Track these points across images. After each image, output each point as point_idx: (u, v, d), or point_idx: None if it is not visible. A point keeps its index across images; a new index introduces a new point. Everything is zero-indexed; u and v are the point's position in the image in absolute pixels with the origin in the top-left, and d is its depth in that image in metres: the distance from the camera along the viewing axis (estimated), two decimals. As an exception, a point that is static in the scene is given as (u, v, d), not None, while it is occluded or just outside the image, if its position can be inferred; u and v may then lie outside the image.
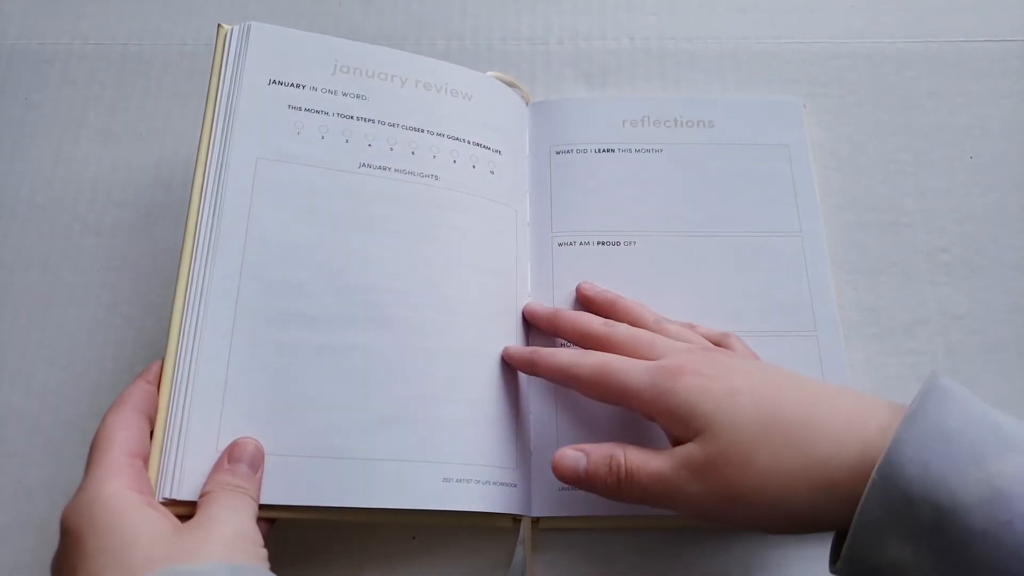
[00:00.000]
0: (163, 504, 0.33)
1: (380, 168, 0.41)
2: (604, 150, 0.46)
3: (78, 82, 0.50)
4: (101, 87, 0.50)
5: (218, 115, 0.40)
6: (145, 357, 0.43)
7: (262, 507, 0.34)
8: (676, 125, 0.47)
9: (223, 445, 0.34)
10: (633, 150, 0.46)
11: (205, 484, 0.33)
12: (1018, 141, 0.49)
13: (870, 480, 0.27)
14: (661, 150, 0.46)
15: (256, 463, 0.34)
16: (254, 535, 0.31)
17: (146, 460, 0.34)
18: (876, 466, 0.26)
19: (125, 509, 0.30)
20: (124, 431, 0.33)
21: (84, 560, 0.29)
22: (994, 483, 0.25)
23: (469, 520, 0.38)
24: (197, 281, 0.37)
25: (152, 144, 0.48)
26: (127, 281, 0.45)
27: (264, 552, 0.31)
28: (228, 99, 0.40)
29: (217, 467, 0.34)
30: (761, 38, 0.52)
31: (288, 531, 0.38)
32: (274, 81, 0.41)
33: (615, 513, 0.39)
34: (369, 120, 0.42)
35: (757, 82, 0.51)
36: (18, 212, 0.46)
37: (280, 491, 0.35)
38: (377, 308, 0.38)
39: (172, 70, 0.50)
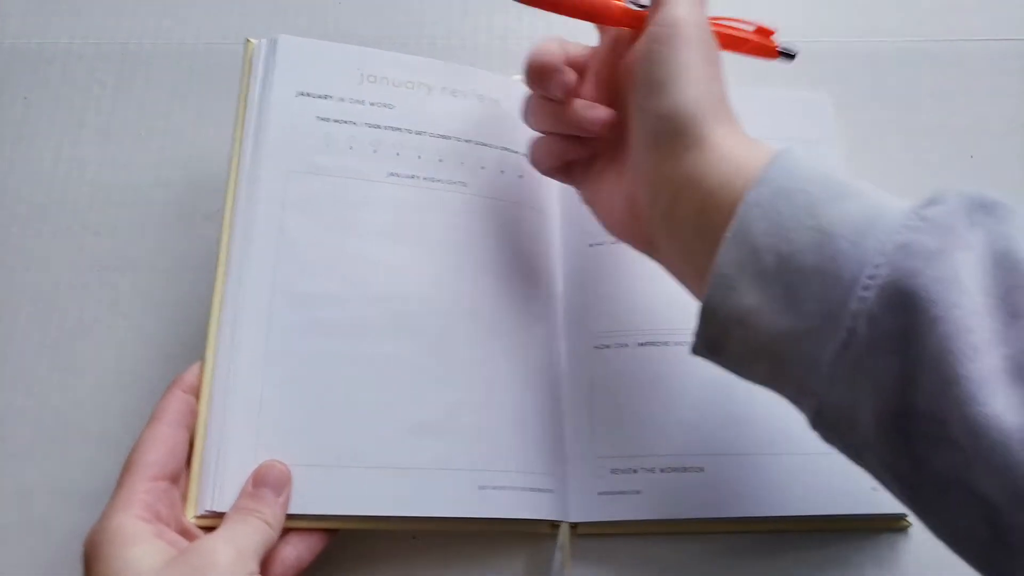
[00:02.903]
0: (206, 516, 0.34)
1: (409, 177, 0.41)
2: None
3: (78, 82, 0.50)
4: (101, 87, 0.50)
5: (248, 129, 0.40)
6: (145, 357, 0.43)
7: (297, 518, 0.34)
8: None
9: (261, 456, 0.34)
10: None
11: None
12: (1018, 141, 0.49)
13: (724, 239, 0.30)
14: None
15: (280, 487, 0.34)
16: (243, 563, 0.31)
17: (174, 479, 0.34)
18: (730, 227, 0.30)
19: (126, 541, 0.30)
20: (154, 452, 0.33)
21: None
22: (823, 228, 0.29)
23: (506, 527, 0.38)
24: (231, 295, 0.37)
25: (152, 144, 0.48)
26: (127, 281, 0.45)
27: None
28: (258, 113, 0.40)
29: (242, 491, 0.34)
30: (761, 38, 0.52)
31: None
32: (302, 93, 0.41)
33: (656, 518, 0.38)
34: (396, 129, 0.42)
35: (756, 80, 0.50)
36: (18, 212, 0.46)
37: (315, 501, 0.35)
38: (409, 317, 0.38)
39: (172, 70, 0.50)
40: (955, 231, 0.28)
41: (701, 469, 0.39)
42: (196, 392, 0.36)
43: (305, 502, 0.34)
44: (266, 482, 0.34)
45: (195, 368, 0.36)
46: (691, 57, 0.33)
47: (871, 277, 0.27)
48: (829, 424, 0.30)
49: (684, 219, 0.33)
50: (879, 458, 0.29)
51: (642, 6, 0.37)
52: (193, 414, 0.35)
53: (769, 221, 0.29)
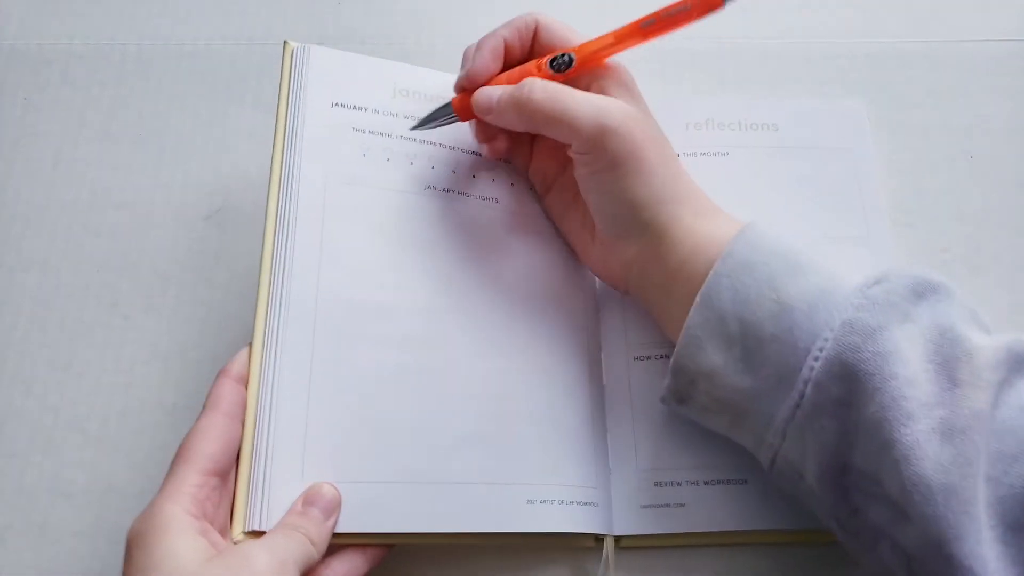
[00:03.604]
0: (251, 534, 0.33)
1: (444, 190, 0.41)
2: None
3: (78, 82, 0.50)
4: (101, 87, 0.50)
5: (288, 134, 0.39)
6: (145, 357, 0.43)
7: (341, 536, 0.34)
8: (740, 128, 0.46)
9: (308, 474, 0.34)
10: (698, 154, 0.45)
11: None
12: (1018, 141, 0.49)
13: (694, 303, 0.34)
14: (727, 153, 0.46)
15: (330, 509, 0.33)
16: (283, 572, 0.31)
17: (224, 476, 0.33)
18: (699, 293, 0.34)
19: (171, 532, 0.30)
20: (211, 444, 0.33)
21: (127, 573, 0.30)
22: (782, 300, 0.32)
23: (550, 540, 0.38)
24: (275, 305, 0.36)
25: (152, 144, 0.48)
26: (127, 281, 0.45)
27: None
28: (295, 118, 0.40)
29: (291, 509, 0.33)
30: (761, 38, 0.52)
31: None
32: (337, 104, 0.41)
33: (700, 530, 0.38)
34: (431, 143, 0.42)
35: (758, 82, 0.51)
36: (18, 212, 0.46)
37: (361, 519, 0.34)
38: (450, 328, 0.38)
39: (172, 70, 0.50)
40: (897, 307, 0.31)
41: (744, 481, 0.39)
42: (246, 381, 0.35)
43: (350, 520, 0.34)
44: (316, 503, 0.33)
45: (241, 356, 0.35)
46: (634, 166, 0.36)
47: (820, 349, 0.31)
48: (781, 473, 0.34)
49: (653, 282, 0.37)
50: (822, 505, 0.33)
51: (560, 61, 0.39)
52: (245, 406, 0.35)
53: (734, 291, 0.33)
